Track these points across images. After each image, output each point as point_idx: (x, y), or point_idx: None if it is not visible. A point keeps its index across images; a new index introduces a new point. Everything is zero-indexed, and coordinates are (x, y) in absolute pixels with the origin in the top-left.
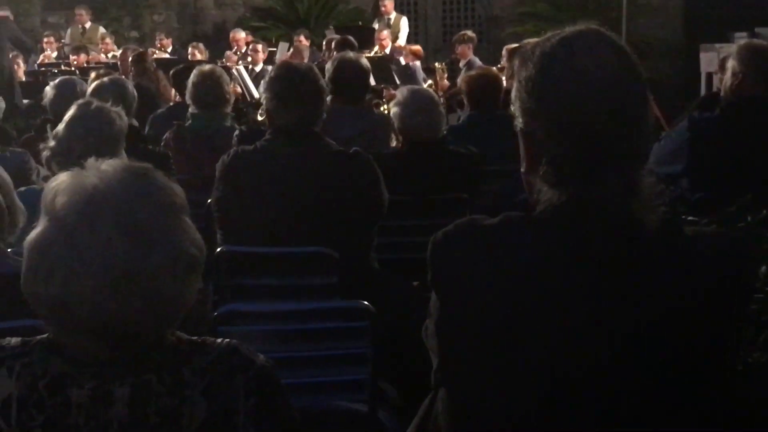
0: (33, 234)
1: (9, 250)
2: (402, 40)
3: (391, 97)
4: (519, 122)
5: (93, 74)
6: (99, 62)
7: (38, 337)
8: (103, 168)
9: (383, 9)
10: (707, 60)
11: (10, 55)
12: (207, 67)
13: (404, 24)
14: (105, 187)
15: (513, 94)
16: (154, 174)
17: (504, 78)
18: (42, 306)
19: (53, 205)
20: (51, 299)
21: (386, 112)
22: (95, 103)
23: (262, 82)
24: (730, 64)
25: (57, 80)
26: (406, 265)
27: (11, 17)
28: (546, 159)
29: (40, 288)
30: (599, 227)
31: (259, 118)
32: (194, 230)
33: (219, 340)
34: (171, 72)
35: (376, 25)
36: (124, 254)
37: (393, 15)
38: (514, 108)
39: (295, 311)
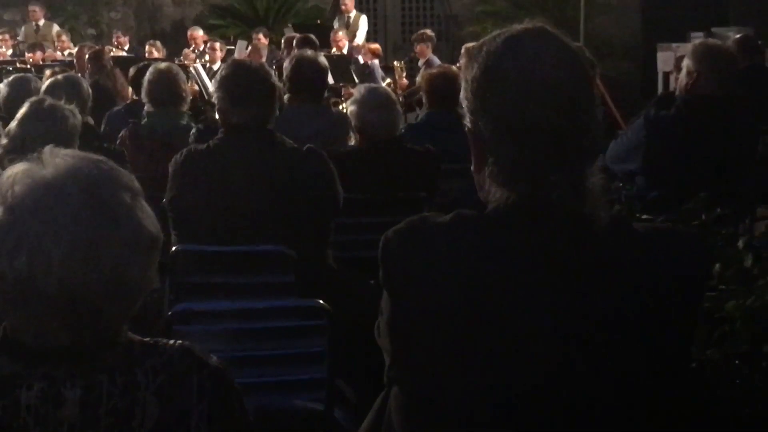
0: None
1: None
2: (360, 39)
3: (350, 96)
4: (467, 121)
5: (48, 72)
6: (55, 60)
7: None
8: (59, 157)
9: (343, 7)
10: (664, 59)
11: None
12: (163, 65)
13: (363, 22)
14: (66, 170)
15: (461, 93)
16: (110, 162)
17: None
18: (5, 284)
19: (11, 193)
20: (17, 274)
21: (345, 110)
22: (48, 100)
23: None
24: (686, 63)
25: (10, 78)
26: (363, 264)
27: None
28: (493, 158)
29: (4, 264)
30: (549, 226)
31: (217, 117)
32: (152, 213)
33: (172, 342)
34: (130, 70)
35: (335, 24)
36: (91, 227)
37: (353, 13)
38: (463, 107)
39: (251, 310)
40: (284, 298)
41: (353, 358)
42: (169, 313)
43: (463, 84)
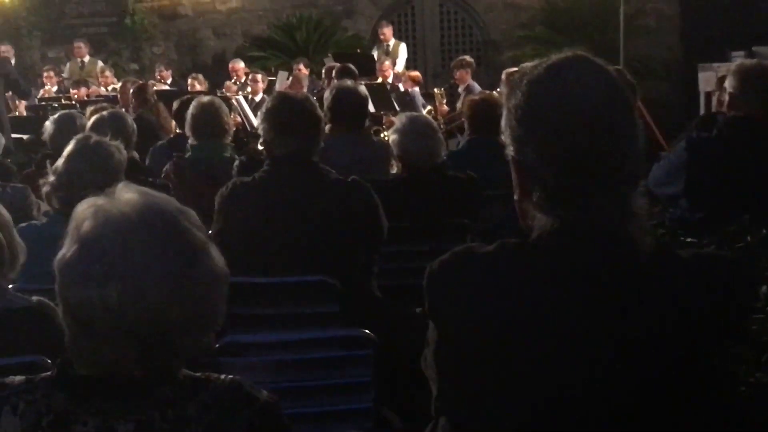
0: (66, 252)
1: (9, 286)
2: (400, 66)
3: (391, 124)
4: (510, 150)
5: (90, 109)
6: (99, 95)
7: (42, 374)
8: (134, 193)
9: (382, 36)
10: (705, 79)
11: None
12: (206, 98)
13: (403, 50)
14: (146, 205)
15: (503, 122)
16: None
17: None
18: (91, 312)
19: (90, 227)
20: (106, 302)
21: (386, 138)
22: (94, 137)
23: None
24: (727, 83)
25: (57, 115)
26: (407, 292)
27: (11, 56)
28: (538, 186)
29: (92, 292)
30: (594, 251)
31: (260, 148)
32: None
33: (223, 377)
34: (173, 103)
35: (374, 52)
36: (177, 260)
37: (392, 42)
38: (505, 136)
39: (297, 341)
40: (330, 329)
41: (399, 388)
42: (217, 345)
43: (505, 112)
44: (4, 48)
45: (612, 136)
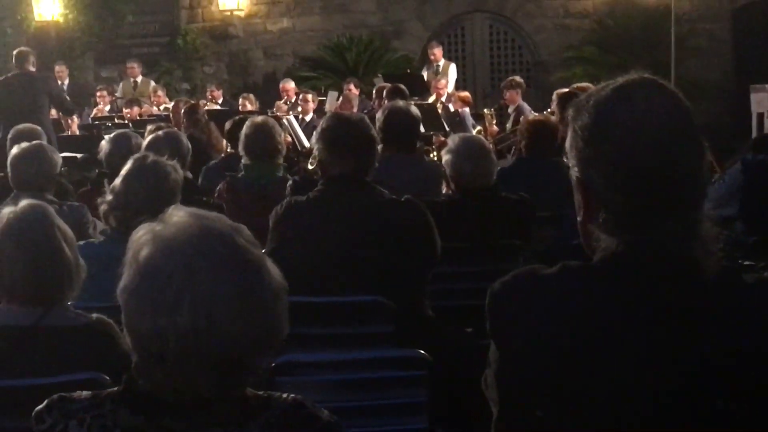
0: (129, 283)
1: (68, 303)
2: (450, 87)
3: (441, 144)
4: (575, 171)
5: (150, 127)
6: (151, 115)
7: (108, 390)
8: (185, 217)
9: (432, 56)
10: (757, 100)
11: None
12: (259, 118)
13: (452, 71)
14: (201, 228)
15: (568, 143)
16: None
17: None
18: (164, 342)
19: (146, 255)
20: (179, 330)
21: (435, 159)
22: (151, 157)
23: (313, 131)
24: None
25: (112, 134)
26: (459, 312)
27: (65, 76)
28: (604, 207)
29: (163, 321)
30: (660, 273)
31: (309, 167)
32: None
33: (285, 395)
34: (226, 124)
35: (424, 73)
36: (241, 281)
37: (442, 62)
38: (570, 157)
39: (352, 361)
40: (383, 349)
41: (453, 408)
42: (272, 364)
43: (570, 134)
44: (58, 68)
45: (680, 159)
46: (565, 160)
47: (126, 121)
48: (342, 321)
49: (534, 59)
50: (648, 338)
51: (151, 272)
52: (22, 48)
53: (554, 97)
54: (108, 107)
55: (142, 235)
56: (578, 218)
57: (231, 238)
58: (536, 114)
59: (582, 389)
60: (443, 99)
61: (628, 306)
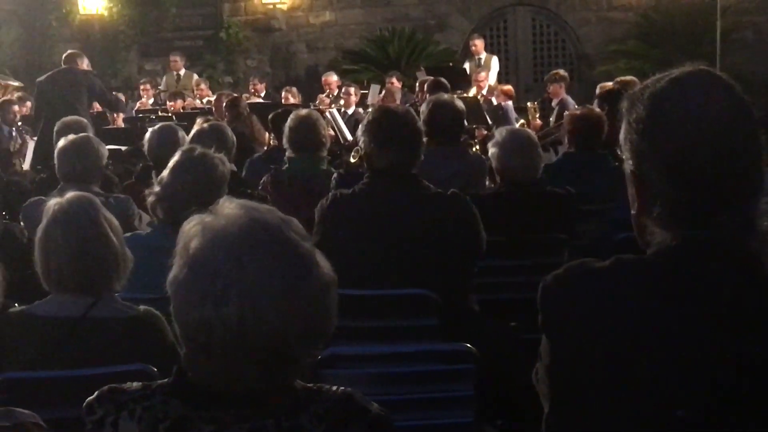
0: (178, 273)
1: (116, 294)
2: (492, 80)
3: (483, 138)
4: (629, 164)
5: (199, 119)
6: (195, 108)
7: (158, 381)
8: (236, 209)
9: (474, 48)
10: None
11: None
12: (303, 111)
13: (495, 63)
14: (251, 220)
15: (622, 135)
16: (278, 211)
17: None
18: (210, 333)
19: (197, 246)
20: (226, 322)
21: (478, 152)
22: (198, 149)
23: (359, 125)
24: None
25: (157, 126)
26: (504, 306)
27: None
28: (660, 201)
29: (210, 313)
30: (716, 269)
31: (352, 161)
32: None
33: (335, 388)
34: (269, 116)
35: (466, 65)
36: (290, 274)
37: (483, 55)
38: (624, 150)
39: (398, 354)
40: (428, 342)
41: (498, 402)
42: (318, 357)
43: (625, 126)
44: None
45: (738, 152)
46: (618, 153)
47: (170, 114)
48: (388, 314)
49: (577, 52)
50: (704, 335)
51: (200, 263)
52: (73, 51)
53: (597, 90)
54: (151, 100)
55: (192, 226)
56: (632, 211)
57: (280, 231)
58: (579, 108)
59: (636, 385)
60: (484, 92)
61: (683, 301)
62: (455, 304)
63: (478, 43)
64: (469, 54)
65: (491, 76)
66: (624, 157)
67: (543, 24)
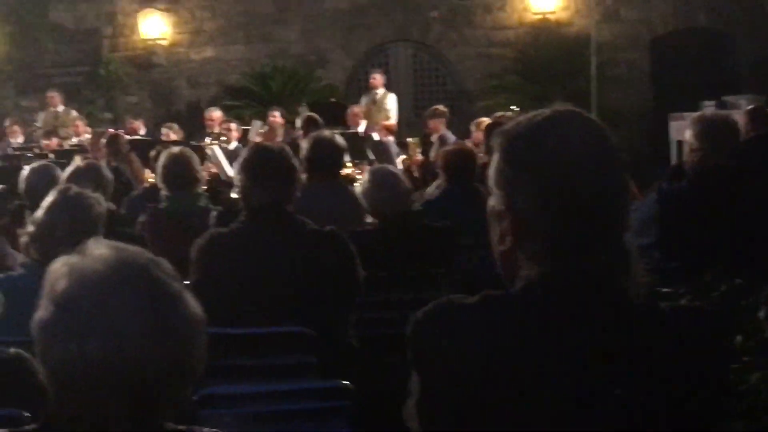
0: (43, 313)
1: None
2: (394, 118)
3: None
4: (500, 200)
5: (77, 158)
6: (72, 145)
7: (26, 427)
8: (104, 249)
9: (372, 82)
10: (676, 129)
11: None
12: (176, 148)
13: (392, 100)
14: (117, 261)
15: (492, 170)
16: (146, 252)
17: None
18: (73, 370)
19: (65, 285)
20: (88, 358)
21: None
22: (74, 188)
23: (236, 160)
24: (687, 137)
25: (33, 165)
26: (383, 341)
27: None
28: (530, 234)
29: (73, 347)
30: (588, 301)
31: (233, 196)
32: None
33: (206, 430)
34: (150, 153)
35: (363, 100)
36: (157, 311)
37: (381, 90)
38: (493, 184)
39: (275, 392)
40: (306, 379)
41: None
42: (195, 397)
43: (496, 162)
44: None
45: (605, 187)
46: (488, 187)
47: (46, 152)
48: (265, 352)
49: (458, 88)
50: (575, 367)
51: (63, 304)
52: None
53: (472, 126)
54: (21, 139)
55: (59, 267)
56: (500, 247)
57: (147, 270)
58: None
59: (503, 419)
60: (360, 128)
61: (550, 334)
62: (334, 341)
63: (377, 77)
64: (363, 88)
65: (393, 116)
66: (493, 192)
67: (423, 60)
